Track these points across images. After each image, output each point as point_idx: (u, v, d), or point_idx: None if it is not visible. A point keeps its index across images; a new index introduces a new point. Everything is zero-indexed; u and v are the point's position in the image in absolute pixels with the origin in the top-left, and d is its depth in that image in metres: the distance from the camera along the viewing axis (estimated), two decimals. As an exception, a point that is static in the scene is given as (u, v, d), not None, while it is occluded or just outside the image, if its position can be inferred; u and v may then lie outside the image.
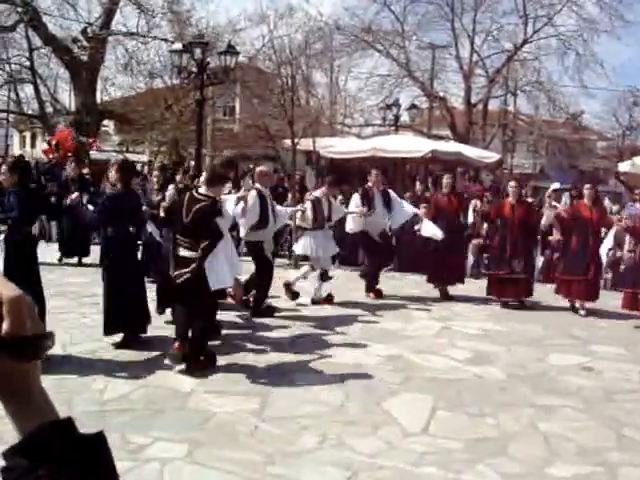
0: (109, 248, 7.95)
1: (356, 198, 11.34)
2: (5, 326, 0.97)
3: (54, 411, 1.05)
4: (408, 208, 11.78)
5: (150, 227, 9.46)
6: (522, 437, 5.68)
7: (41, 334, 1.01)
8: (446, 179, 11.93)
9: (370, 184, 11.58)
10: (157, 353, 7.47)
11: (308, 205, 10.66)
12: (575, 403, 6.59)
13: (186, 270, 6.90)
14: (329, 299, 10.78)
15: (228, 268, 7.24)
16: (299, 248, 11.10)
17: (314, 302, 10.60)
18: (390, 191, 11.82)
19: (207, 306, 7.19)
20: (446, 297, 11.50)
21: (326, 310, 10.19)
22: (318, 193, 11.05)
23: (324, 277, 10.74)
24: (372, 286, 11.45)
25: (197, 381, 6.65)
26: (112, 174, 8.25)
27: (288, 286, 10.55)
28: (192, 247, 6.95)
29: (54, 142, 15.70)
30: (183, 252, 7.04)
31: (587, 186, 11.30)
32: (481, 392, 6.80)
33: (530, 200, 13.41)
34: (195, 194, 7.23)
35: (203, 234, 6.89)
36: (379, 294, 11.40)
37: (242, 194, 8.89)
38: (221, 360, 7.22)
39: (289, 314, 9.76)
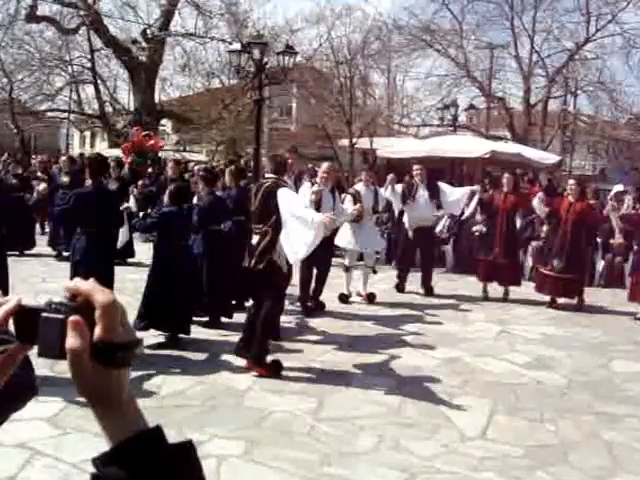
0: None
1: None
2: (97, 332, 0.97)
3: (143, 419, 1.04)
4: (459, 191, 11.74)
5: None
6: (583, 445, 5.55)
7: (132, 341, 1.01)
8: (506, 177, 11.68)
9: (415, 179, 11.48)
10: (213, 350, 7.49)
11: (348, 198, 10.37)
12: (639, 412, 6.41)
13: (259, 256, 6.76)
14: (371, 297, 10.67)
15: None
16: (339, 240, 10.60)
17: (357, 295, 10.71)
18: (439, 183, 11.76)
19: (279, 295, 7.12)
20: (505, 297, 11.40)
21: (383, 311, 10.12)
22: (358, 186, 10.92)
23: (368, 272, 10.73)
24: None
25: (253, 379, 6.65)
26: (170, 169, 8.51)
27: (342, 298, 10.54)
28: (259, 231, 6.89)
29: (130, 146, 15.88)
30: (255, 240, 6.89)
31: None
32: (541, 397, 6.66)
33: (592, 202, 13.09)
34: (262, 180, 7.35)
35: (268, 212, 6.73)
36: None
37: (315, 190, 8.37)
38: (284, 356, 7.20)
39: (346, 314, 9.72)
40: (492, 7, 30.30)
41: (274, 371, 6.76)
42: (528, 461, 5.15)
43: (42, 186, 8.62)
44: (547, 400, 6.57)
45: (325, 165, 10.11)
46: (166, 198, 8.12)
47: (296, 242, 6.64)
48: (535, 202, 11.22)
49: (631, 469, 5.13)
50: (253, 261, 6.76)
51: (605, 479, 4.96)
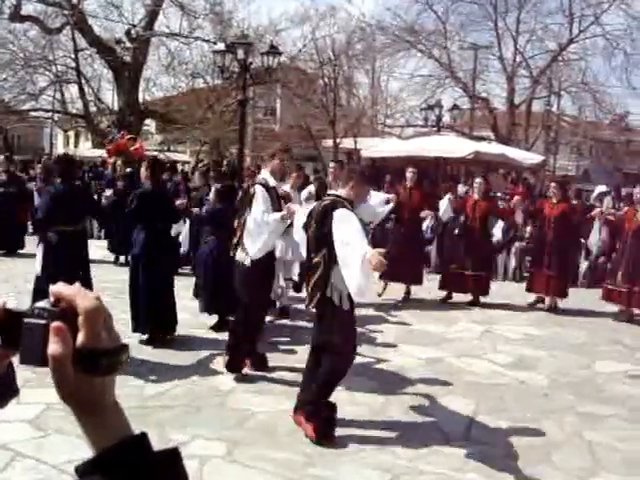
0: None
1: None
2: (80, 338, 0.95)
3: (128, 426, 1.02)
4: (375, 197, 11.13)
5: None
6: (566, 445, 5.58)
7: (116, 347, 0.98)
8: (477, 182, 11.55)
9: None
10: (197, 351, 7.47)
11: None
12: (621, 412, 6.45)
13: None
14: (283, 314, 9.39)
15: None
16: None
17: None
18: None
19: (344, 346, 5.57)
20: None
21: (367, 311, 10.11)
22: (287, 187, 9.13)
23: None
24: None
25: (237, 380, 6.64)
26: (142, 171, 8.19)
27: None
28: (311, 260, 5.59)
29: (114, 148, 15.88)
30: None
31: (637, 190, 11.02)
32: (523, 398, 6.69)
33: (574, 202, 13.18)
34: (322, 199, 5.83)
35: (323, 239, 5.36)
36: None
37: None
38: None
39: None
40: (476, 8, 30.48)
41: (324, 433, 5.41)
42: (511, 461, 5.16)
43: (109, 192, 8.77)
44: (530, 400, 6.60)
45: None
46: (212, 196, 8.83)
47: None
48: (443, 203, 11.17)
49: (612, 469, 5.16)
50: (306, 302, 5.70)
51: (587, 479, 4.98)
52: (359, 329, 8.89)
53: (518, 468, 5.06)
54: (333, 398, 5.86)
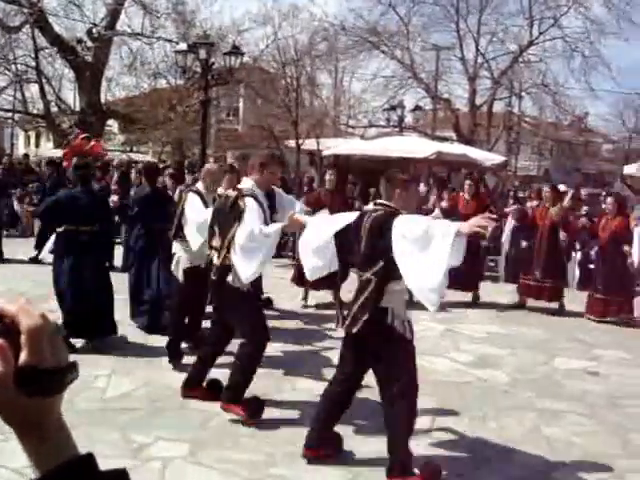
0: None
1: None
2: (22, 357, 0.91)
3: (74, 447, 0.98)
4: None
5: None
6: (526, 441, 5.64)
7: (61, 367, 0.93)
8: (467, 183, 11.74)
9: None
10: (160, 352, 7.43)
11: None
12: (580, 408, 6.56)
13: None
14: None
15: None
16: None
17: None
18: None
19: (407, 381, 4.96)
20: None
21: (331, 310, 10.13)
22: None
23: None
24: None
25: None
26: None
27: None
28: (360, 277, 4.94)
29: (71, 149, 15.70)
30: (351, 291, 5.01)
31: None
32: (485, 396, 6.76)
33: (536, 202, 13.34)
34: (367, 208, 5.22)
35: (377, 254, 4.78)
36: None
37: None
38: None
39: (293, 313, 9.74)
40: (438, 9, 30.68)
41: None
42: (472, 459, 5.22)
43: (115, 197, 9.15)
44: (491, 398, 6.68)
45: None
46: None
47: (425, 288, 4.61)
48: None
49: (570, 463, 5.25)
50: (346, 323, 4.92)
51: (547, 474, 5.06)
52: (324, 329, 9.02)
53: (479, 465, 5.12)
54: (293, 395, 5.89)
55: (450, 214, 11.35)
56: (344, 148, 21.63)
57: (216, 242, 5.94)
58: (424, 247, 4.46)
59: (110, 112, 27.27)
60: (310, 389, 6.43)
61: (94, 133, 22.83)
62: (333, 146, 22.31)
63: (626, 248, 10.37)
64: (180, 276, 7.41)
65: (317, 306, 10.35)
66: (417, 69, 30.31)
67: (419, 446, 5.29)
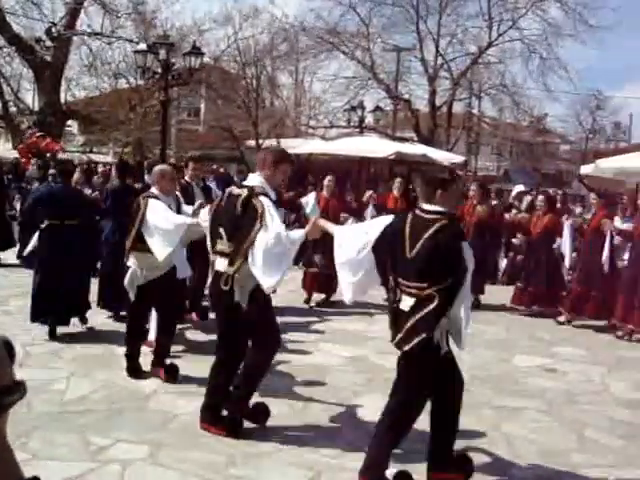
0: None
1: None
2: None
3: (19, 470, 0.95)
4: None
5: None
6: (484, 438, 5.71)
7: (5, 387, 0.91)
8: (396, 182, 11.89)
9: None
10: (119, 354, 7.37)
11: None
12: (538, 405, 6.65)
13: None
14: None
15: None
16: None
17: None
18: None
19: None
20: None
21: (289, 311, 10.15)
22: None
23: None
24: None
25: (159, 382, 6.59)
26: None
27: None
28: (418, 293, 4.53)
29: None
30: (405, 302, 4.61)
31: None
32: (444, 393, 6.81)
33: (494, 202, 13.50)
34: (421, 214, 4.70)
35: (443, 267, 4.50)
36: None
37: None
38: (183, 362, 7.14)
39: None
40: (398, 11, 30.85)
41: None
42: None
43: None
44: (450, 395, 6.73)
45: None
46: None
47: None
48: None
49: (528, 460, 5.32)
50: (397, 338, 4.64)
51: (504, 470, 5.11)
52: (283, 329, 8.98)
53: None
54: (256, 397, 5.88)
55: (381, 210, 11.58)
56: (305, 149, 21.66)
57: (223, 246, 5.37)
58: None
59: (70, 112, 27.04)
60: (271, 390, 6.44)
61: (53, 134, 22.63)
62: (294, 146, 22.31)
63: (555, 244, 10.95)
64: (132, 294, 6.80)
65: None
66: (377, 70, 30.49)
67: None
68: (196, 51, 19.15)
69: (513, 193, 16.98)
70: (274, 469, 4.90)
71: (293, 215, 11.37)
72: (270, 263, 5.11)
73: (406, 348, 4.55)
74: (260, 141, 23.76)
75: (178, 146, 32.31)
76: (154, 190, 6.85)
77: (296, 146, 22.42)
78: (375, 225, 4.90)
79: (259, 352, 5.52)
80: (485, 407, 6.46)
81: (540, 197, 11.52)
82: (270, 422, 5.67)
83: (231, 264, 5.24)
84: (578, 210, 15.71)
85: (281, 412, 5.96)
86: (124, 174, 9.45)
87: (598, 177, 20.71)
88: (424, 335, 4.46)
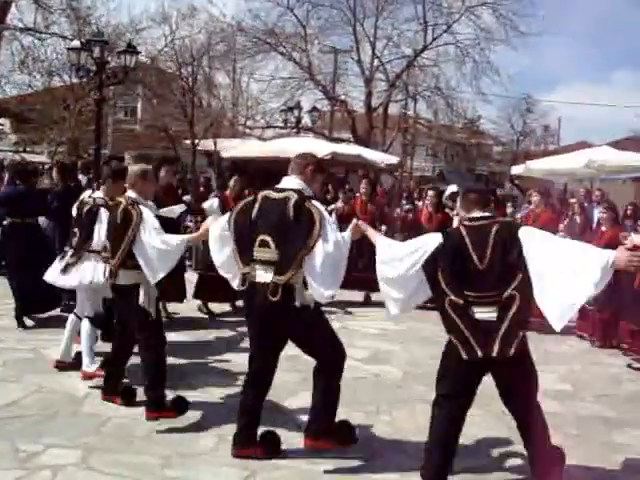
0: None
1: None
2: None
3: None
4: None
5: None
6: (417, 433, 5.78)
7: None
8: (364, 183, 12.03)
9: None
10: (52, 357, 7.27)
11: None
12: (469, 399, 6.77)
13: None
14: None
15: None
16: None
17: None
18: None
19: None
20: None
21: (224, 314, 10.15)
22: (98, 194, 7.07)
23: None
24: None
25: (92, 385, 6.51)
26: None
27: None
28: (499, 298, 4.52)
29: None
30: (486, 312, 4.57)
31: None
32: (378, 390, 6.92)
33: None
34: (472, 223, 4.72)
35: (512, 269, 4.52)
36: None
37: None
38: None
39: (185, 319, 9.71)
40: (335, 13, 31.06)
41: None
42: (364, 451, 5.32)
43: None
44: (383, 392, 6.84)
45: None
46: None
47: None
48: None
49: (459, 451, 5.40)
50: (496, 348, 4.51)
51: (436, 463, 5.20)
52: (218, 331, 9.02)
53: (373, 457, 5.25)
54: (189, 395, 5.88)
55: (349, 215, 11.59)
56: (242, 149, 21.63)
57: (269, 255, 4.95)
58: (571, 269, 4.33)
59: (1, 110, 26.42)
60: (206, 390, 6.46)
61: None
62: (230, 147, 22.28)
63: None
64: (154, 312, 5.89)
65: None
66: (314, 71, 30.64)
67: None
68: (131, 50, 18.96)
69: (446, 194, 17.21)
70: (209, 469, 4.92)
71: None
72: (330, 270, 4.91)
73: (512, 353, 4.49)
74: (196, 141, 23.63)
75: (114, 146, 31.88)
76: (132, 194, 5.95)
77: (233, 146, 22.38)
78: (424, 244, 4.72)
79: (329, 369, 5.29)
80: (418, 402, 6.54)
81: (430, 192, 12.18)
82: (205, 422, 5.69)
83: (281, 273, 4.86)
84: (509, 210, 16.01)
85: (216, 412, 5.98)
86: (65, 176, 9.71)
87: (528, 177, 21.21)
88: (521, 334, 4.50)
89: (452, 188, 16.75)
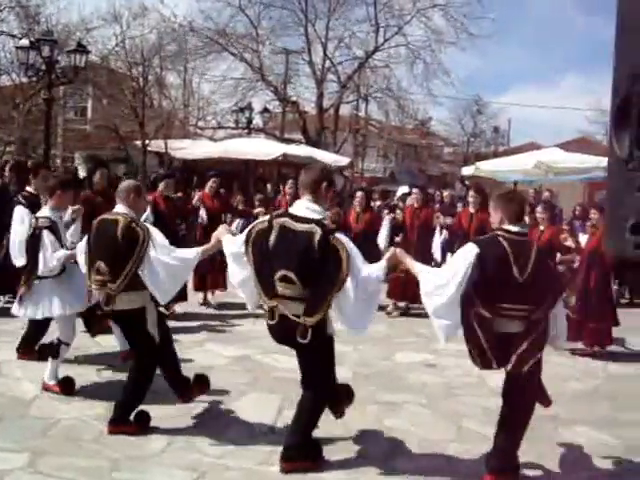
0: None
1: None
2: None
3: None
4: None
5: None
6: (367, 433, 5.86)
7: None
8: (357, 197, 11.86)
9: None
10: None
11: None
12: (419, 399, 6.85)
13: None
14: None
15: None
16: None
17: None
18: None
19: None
20: None
21: (178, 316, 10.12)
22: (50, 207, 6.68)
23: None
24: None
25: (39, 387, 6.44)
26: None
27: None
28: (529, 315, 4.66)
29: None
30: (511, 326, 4.68)
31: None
32: (328, 390, 6.95)
33: (378, 203, 13.82)
34: (513, 236, 4.74)
35: (547, 283, 4.72)
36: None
37: None
38: (67, 366, 7.01)
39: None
40: (287, 14, 31.07)
41: None
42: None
43: None
44: (334, 393, 6.87)
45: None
46: None
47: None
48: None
49: (408, 452, 5.50)
50: (512, 363, 4.71)
51: (384, 462, 5.23)
52: (173, 332, 8.96)
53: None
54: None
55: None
56: (193, 150, 21.57)
57: (295, 292, 4.76)
58: None
59: (-55, 109, 25.93)
60: (155, 392, 6.43)
61: None
62: (181, 147, 22.18)
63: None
64: (158, 336, 5.68)
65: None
66: (266, 72, 30.62)
67: (260, 442, 5.47)
68: (81, 49, 18.78)
69: (398, 194, 17.43)
70: (158, 471, 4.90)
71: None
72: (362, 308, 4.86)
73: (525, 369, 4.64)
74: (147, 141, 23.46)
75: (65, 146, 31.50)
76: (124, 209, 5.57)
77: (184, 147, 22.29)
78: (462, 261, 4.68)
79: (317, 394, 5.20)
80: (368, 402, 6.61)
81: (359, 193, 11.99)
82: (154, 423, 5.66)
83: (309, 314, 4.71)
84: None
85: (166, 413, 5.95)
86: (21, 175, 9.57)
87: (478, 178, 21.49)
88: (539, 355, 4.66)
89: (403, 189, 16.97)
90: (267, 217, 5.03)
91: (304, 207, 4.88)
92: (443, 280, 4.70)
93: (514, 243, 4.63)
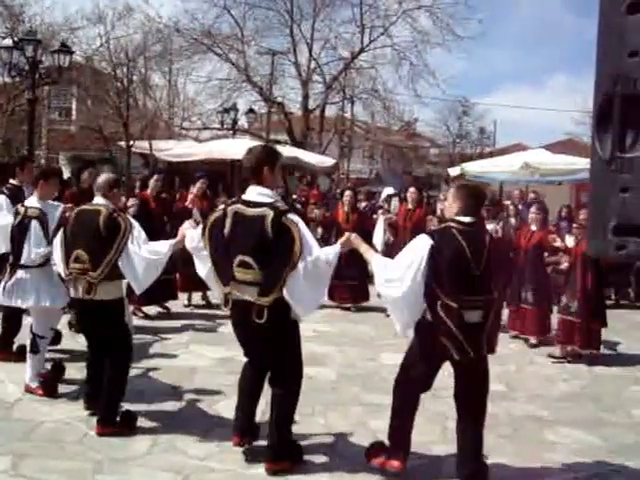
0: None
1: None
2: None
3: None
4: None
5: None
6: (351, 434, 5.87)
7: None
8: (346, 196, 11.97)
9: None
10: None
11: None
12: (402, 400, 6.86)
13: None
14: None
15: None
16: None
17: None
18: None
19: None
20: None
21: (160, 316, 10.09)
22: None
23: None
24: None
25: (22, 389, 6.41)
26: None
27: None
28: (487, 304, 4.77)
29: None
30: (474, 316, 4.72)
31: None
32: (312, 392, 6.90)
33: (364, 204, 13.84)
34: (466, 228, 4.80)
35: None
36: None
37: None
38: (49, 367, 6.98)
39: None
40: (272, 14, 31.06)
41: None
42: (299, 453, 5.36)
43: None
44: (318, 394, 6.84)
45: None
46: None
47: None
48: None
49: (394, 453, 5.51)
50: (483, 346, 4.82)
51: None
52: (152, 333, 8.94)
53: (305, 459, 5.25)
54: (123, 399, 5.83)
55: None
56: (177, 151, 21.52)
57: (251, 276, 4.81)
58: None
59: None
60: (140, 393, 6.41)
61: None
62: (166, 148, 22.12)
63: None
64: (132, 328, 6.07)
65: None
66: (251, 72, 30.58)
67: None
68: (65, 49, 18.70)
69: (382, 196, 17.46)
70: (142, 474, 4.88)
71: None
72: (310, 289, 4.86)
73: (496, 350, 4.95)
74: (131, 142, 23.39)
75: (49, 147, 31.37)
76: (104, 201, 5.70)
77: (168, 148, 22.22)
78: (416, 252, 4.73)
79: (289, 386, 5.34)
80: (352, 404, 6.63)
81: (347, 192, 12.11)
82: (139, 425, 5.65)
83: (264, 294, 4.75)
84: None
85: (150, 415, 5.94)
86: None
87: (464, 179, 21.55)
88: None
89: (388, 190, 16.99)
90: (222, 206, 5.13)
91: (255, 192, 4.94)
92: (397, 273, 4.75)
93: (467, 235, 4.70)
